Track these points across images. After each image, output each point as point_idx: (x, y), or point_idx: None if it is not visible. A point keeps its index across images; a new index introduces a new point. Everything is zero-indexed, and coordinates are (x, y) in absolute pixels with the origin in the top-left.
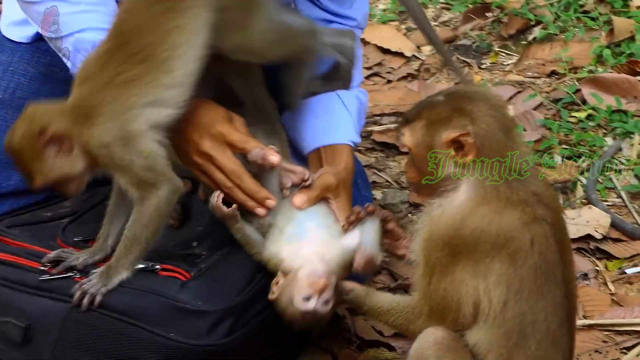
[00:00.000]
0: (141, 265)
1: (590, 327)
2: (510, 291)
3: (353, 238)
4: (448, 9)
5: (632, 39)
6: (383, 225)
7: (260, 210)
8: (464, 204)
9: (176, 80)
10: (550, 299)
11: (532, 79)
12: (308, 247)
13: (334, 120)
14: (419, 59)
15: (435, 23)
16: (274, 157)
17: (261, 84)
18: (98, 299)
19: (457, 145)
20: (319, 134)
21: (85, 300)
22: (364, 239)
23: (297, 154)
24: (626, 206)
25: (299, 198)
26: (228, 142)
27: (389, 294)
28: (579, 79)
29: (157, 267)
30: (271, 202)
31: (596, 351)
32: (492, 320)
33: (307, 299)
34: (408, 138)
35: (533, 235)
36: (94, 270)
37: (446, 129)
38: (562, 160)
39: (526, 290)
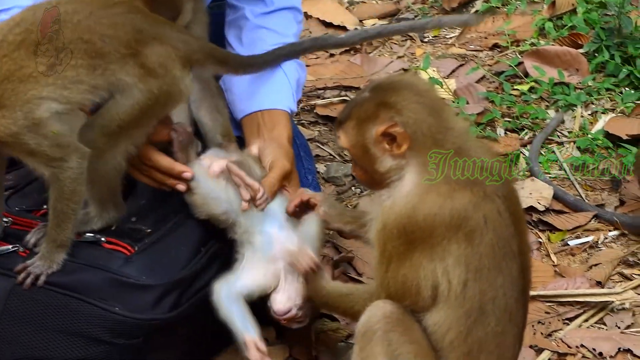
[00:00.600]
0: (87, 237)
1: (533, 298)
2: (469, 270)
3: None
4: None
5: (573, 11)
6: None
7: (181, 186)
8: (412, 191)
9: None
10: (508, 274)
11: (474, 52)
12: (277, 263)
13: (274, 86)
14: None
15: None
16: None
17: None
18: (42, 279)
19: (389, 138)
20: (258, 97)
21: (29, 281)
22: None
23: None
24: (569, 178)
25: (261, 199)
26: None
27: (347, 284)
28: (521, 52)
29: (102, 239)
30: (188, 174)
31: (539, 322)
32: (452, 300)
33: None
34: (344, 139)
35: (485, 213)
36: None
37: (374, 125)
38: (505, 133)
39: (485, 267)
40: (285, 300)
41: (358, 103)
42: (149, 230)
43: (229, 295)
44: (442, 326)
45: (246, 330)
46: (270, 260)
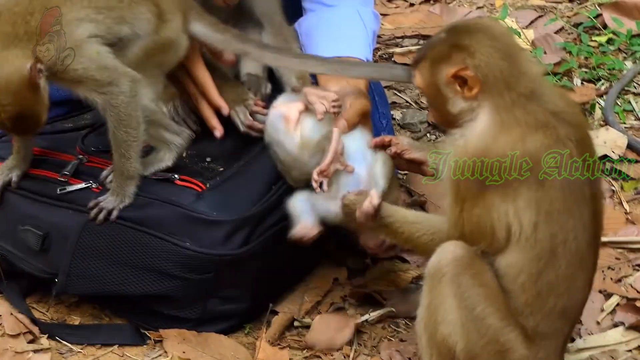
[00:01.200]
0: (159, 175)
1: (604, 244)
2: (540, 213)
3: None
4: None
5: None
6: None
7: (218, 132)
8: (484, 132)
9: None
10: (579, 219)
11: (553, 4)
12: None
13: (352, 33)
14: None
15: None
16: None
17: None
18: (114, 213)
19: (461, 80)
20: (336, 44)
21: (101, 216)
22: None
23: None
24: None
25: (341, 123)
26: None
27: (414, 211)
28: (600, 4)
29: (175, 176)
30: (217, 133)
31: (609, 268)
32: (523, 242)
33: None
34: (418, 79)
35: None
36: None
37: (446, 66)
38: (582, 83)
39: (556, 211)
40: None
41: (433, 44)
42: (221, 169)
43: (304, 200)
44: (514, 268)
45: (304, 217)
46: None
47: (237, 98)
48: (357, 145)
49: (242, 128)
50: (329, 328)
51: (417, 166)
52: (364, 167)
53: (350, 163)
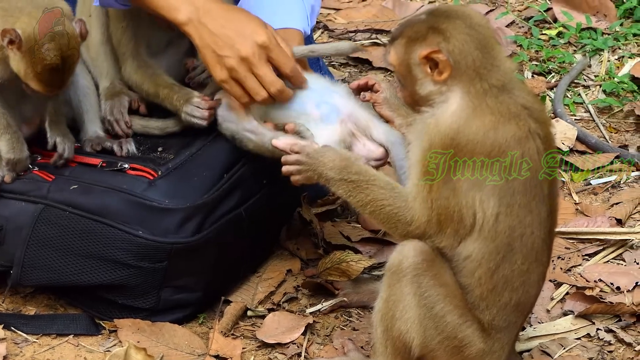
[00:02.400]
0: (111, 166)
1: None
2: (502, 204)
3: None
4: None
5: None
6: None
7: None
8: (457, 113)
9: None
10: (537, 215)
11: None
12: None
13: (290, 6)
14: None
15: None
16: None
17: None
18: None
19: (432, 62)
20: (273, 15)
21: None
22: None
23: None
24: (594, 120)
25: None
26: (270, 57)
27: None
28: None
29: (126, 166)
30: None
31: (559, 257)
32: (486, 232)
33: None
34: (392, 56)
35: (524, 151)
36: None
37: (420, 47)
38: (532, 76)
39: (516, 204)
40: (375, 146)
41: (412, 23)
42: (172, 157)
43: None
44: (472, 262)
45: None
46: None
47: (184, 98)
48: (322, 83)
49: (203, 123)
50: (280, 325)
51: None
52: (335, 96)
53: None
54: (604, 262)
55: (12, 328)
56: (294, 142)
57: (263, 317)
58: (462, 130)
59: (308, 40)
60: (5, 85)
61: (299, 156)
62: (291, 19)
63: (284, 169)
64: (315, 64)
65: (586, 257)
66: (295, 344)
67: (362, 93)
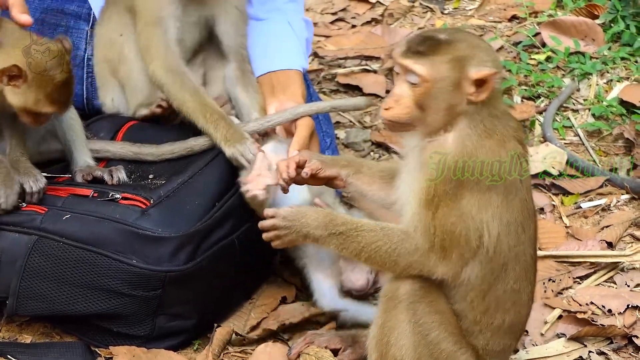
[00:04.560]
0: (103, 196)
1: (546, 257)
2: (502, 224)
3: None
4: None
5: None
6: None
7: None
8: (466, 136)
9: None
10: (528, 233)
11: (493, 23)
12: None
13: (285, 46)
14: (383, 4)
15: None
16: None
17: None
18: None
19: (481, 83)
20: (271, 58)
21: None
22: None
23: None
24: (583, 144)
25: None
26: None
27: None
28: (538, 23)
29: (117, 196)
30: None
31: (550, 279)
32: (488, 254)
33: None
34: (428, 71)
35: (522, 170)
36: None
37: (473, 66)
38: (522, 101)
39: (514, 223)
40: (359, 275)
41: (445, 41)
42: (163, 182)
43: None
44: (467, 285)
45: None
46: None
47: (237, 136)
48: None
49: (247, 166)
50: (270, 358)
51: (331, 181)
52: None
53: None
54: (595, 285)
55: (9, 356)
56: (269, 209)
57: (257, 342)
58: (475, 153)
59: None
60: None
61: (275, 220)
62: (291, 61)
63: (263, 235)
64: (307, 90)
65: (577, 280)
66: None
67: (302, 172)
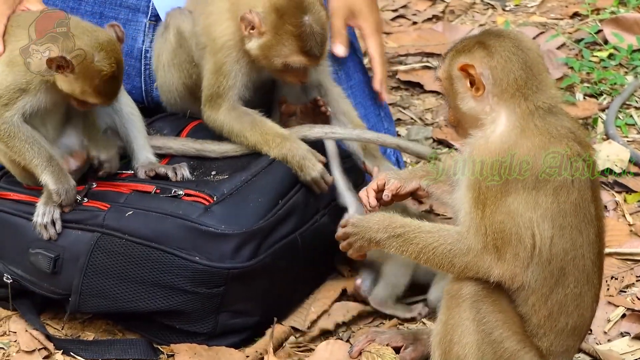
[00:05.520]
0: (166, 193)
1: (609, 255)
2: (555, 226)
3: None
4: None
5: None
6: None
7: None
8: (506, 134)
9: None
10: (587, 236)
11: (555, 20)
12: None
13: None
14: (444, 1)
15: None
16: None
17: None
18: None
19: (470, 77)
20: None
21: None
22: None
23: None
24: None
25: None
26: None
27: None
28: (601, 20)
29: (181, 192)
30: None
31: (612, 277)
32: (542, 256)
33: None
34: (440, 70)
35: (574, 172)
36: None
37: (462, 58)
38: (584, 98)
39: (568, 226)
40: None
41: (462, 39)
42: (226, 177)
43: None
44: (527, 289)
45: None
46: None
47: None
48: None
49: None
50: (332, 356)
51: (414, 194)
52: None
53: None
54: None
55: (72, 353)
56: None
57: (318, 339)
58: (514, 149)
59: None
60: (48, 115)
61: (347, 228)
62: None
63: (340, 245)
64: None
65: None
66: None
67: (383, 195)
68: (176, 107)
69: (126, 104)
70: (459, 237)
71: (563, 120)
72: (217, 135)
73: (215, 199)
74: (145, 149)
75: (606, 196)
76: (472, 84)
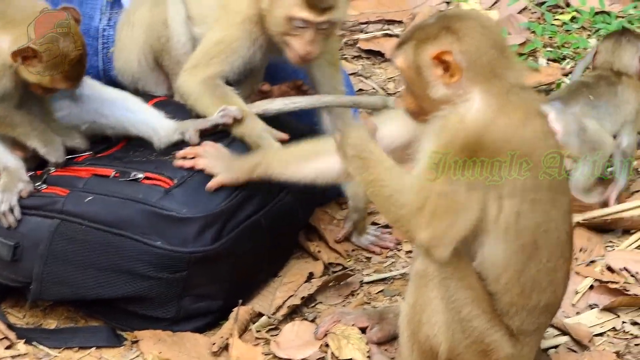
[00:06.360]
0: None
1: (578, 224)
2: (525, 201)
3: None
4: None
5: None
6: None
7: None
8: (482, 111)
9: None
10: (561, 209)
11: None
12: None
13: None
14: None
15: None
16: None
17: None
18: None
19: (443, 64)
20: None
21: None
22: None
23: None
24: None
25: None
26: None
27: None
28: None
29: (140, 175)
30: None
31: (581, 250)
32: (504, 231)
33: None
34: (401, 60)
35: (551, 145)
36: None
37: (431, 47)
38: (547, 63)
39: (542, 200)
40: None
41: (421, 26)
42: None
43: None
44: (498, 266)
45: None
46: None
47: None
48: None
49: None
50: (298, 337)
51: None
52: None
53: None
54: (630, 250)
55: (34, 343)
56: None
57: (284, 321)
58: (490, 127)
59: None
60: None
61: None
62: None
63: None
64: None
65: (608, 247)
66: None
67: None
68: (130, 77)
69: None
70: (402, 189)
71: (533, 95)
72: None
73: (175, 181)
74: (156, 117)
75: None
76: (446, 70)
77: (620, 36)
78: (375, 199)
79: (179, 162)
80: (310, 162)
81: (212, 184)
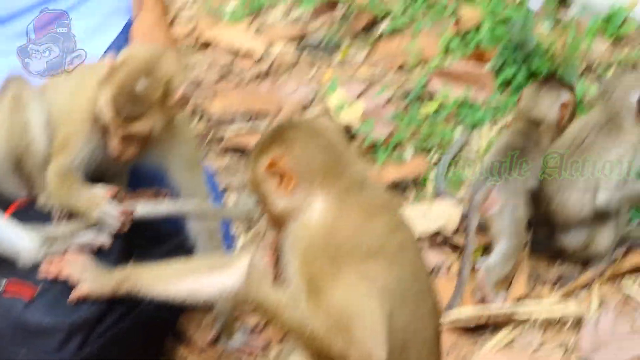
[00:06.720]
0: None
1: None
2: (395, 298)
3: None
4: (298, 6)
5: (478, 28)
6: None
7: None
8: (323, 216)
9: None
10: (426, 305)
11: (382, 73)
12: None
13: None
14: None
15: (286, 20)
16: None
17: None
18: None
19: (278, 173)
20: None
21: None
22: None
23: None
24: None
25: None
26: None
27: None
28: (431, 69)
29: (3, 282)
30: None
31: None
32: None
33: None
34: (247, 176)
35: (402, 240)
36: None
37: (264, 159)
38: (414, 154)
39: (408, 297)
40: None
41: (259, 141)
42: None
43: None
44: None
45: None
46: None
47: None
48: None
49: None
50: None
51: None
52: None
53: None
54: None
55: None
56: None
57: None
58: (337, 225)
59: None
60: None
61: None
62: None
63: None
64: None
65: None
66: None
67: None
68: None
69: None
70: (304, 322)
71: (377, 190)
72: None
73: (40, 287)
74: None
75: (438, 256)
76: (281, 179)
77: (542, 84)
78: (297, 342)
79: (43, 270)
80: (182, 281)
81: (76, 294)
